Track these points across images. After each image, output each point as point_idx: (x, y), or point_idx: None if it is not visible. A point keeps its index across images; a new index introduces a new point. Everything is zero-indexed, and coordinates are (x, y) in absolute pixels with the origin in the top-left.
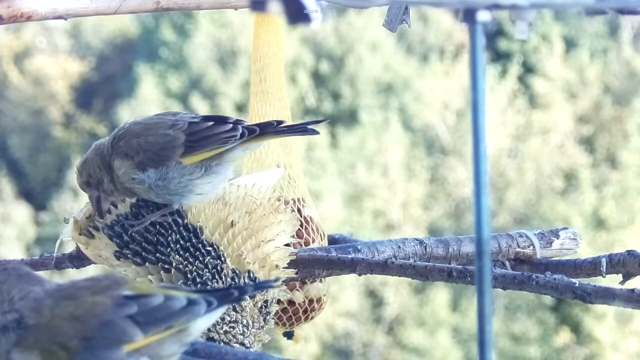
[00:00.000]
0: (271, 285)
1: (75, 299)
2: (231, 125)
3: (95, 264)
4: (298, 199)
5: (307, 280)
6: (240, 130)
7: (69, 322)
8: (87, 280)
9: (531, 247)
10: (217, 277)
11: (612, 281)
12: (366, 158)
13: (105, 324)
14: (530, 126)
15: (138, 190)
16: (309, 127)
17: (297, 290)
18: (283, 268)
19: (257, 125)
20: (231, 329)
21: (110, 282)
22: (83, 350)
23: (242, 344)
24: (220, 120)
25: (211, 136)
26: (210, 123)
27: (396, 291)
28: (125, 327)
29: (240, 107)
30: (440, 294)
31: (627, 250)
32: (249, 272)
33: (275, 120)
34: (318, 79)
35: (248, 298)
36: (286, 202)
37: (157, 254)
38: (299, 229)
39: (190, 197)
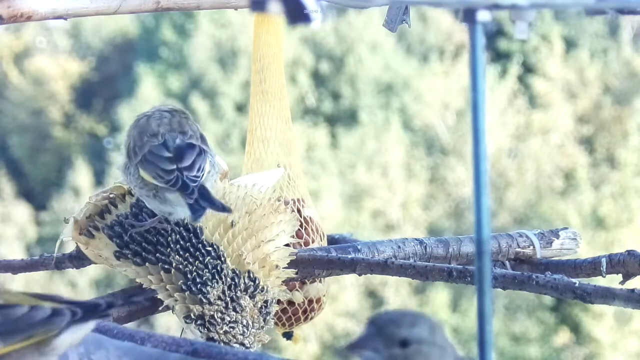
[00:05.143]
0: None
1: None
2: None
3: (95, 264)
4: (298, 200)
5: (306, 281)
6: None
7: None
8: None
9: (531, 247)
10: (217, 277)
11: (612, 281)
12: (366, 158)
13: None
14: (530, 126)
15: None
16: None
17: (297, 290)
18: (283, 268)
19: None
20: (231, 329)
21: None
22: None
23: (242, 344)
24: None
25: (152, 160)
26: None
27: (396, 291)
28: None
29: (240, 107)
30: (440, 294)
31: (627, 250)
32: (249, 272)
33: None
34: (318, 79)
35: (248, 298)
36: (286, 203)
37: (157, 254)
38: (299, 229)
39: (149, 204)
